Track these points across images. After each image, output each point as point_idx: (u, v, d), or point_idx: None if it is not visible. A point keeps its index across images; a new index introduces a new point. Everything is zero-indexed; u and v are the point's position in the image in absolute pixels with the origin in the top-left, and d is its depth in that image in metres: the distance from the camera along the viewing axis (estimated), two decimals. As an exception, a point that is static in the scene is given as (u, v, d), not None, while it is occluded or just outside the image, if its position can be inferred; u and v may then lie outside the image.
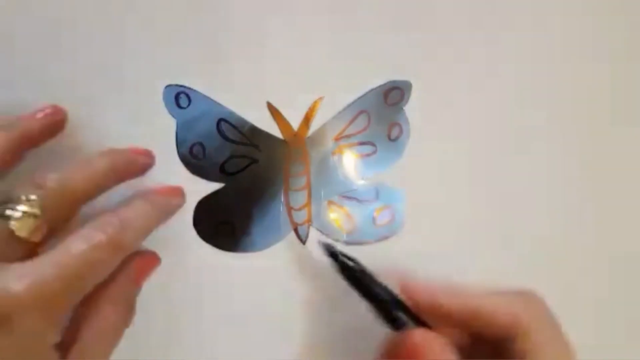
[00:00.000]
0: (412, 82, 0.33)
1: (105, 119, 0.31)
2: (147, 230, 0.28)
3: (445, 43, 0.33)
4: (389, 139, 0.33)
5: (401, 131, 0.33)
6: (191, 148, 0.32)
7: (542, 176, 0.34)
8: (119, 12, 0.31)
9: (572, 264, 0.34)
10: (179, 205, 0.31)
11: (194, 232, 0.32)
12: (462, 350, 0.26)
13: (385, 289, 0.28)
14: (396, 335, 0.27)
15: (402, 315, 0.26)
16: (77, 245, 0.24)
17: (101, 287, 0.26)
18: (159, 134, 0.31)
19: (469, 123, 0.33)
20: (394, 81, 0.33)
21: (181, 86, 0.31)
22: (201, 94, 0.32)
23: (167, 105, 0.31)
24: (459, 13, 0.33)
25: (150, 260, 0.30)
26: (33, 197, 0.25)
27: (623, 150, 0.35)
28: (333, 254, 0.30)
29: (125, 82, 0.31)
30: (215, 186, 0.32)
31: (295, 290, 0.33)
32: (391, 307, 0.27)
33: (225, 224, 0.32)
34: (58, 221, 0.26)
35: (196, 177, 0.32)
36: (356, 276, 0.29)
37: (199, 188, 0.32)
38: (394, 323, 0.27)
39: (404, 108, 0.33)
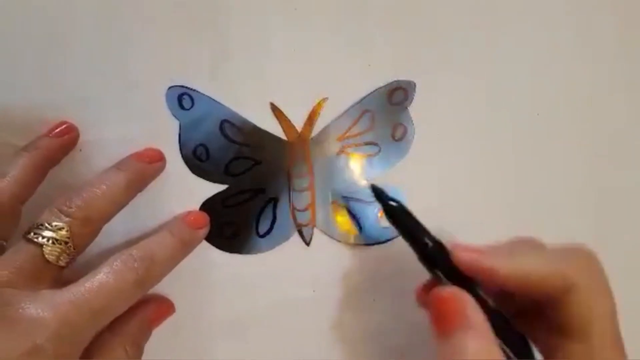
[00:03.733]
0: (416, 82, 0.33)
1: (108, 120, 0.31)
2: (172, 266, 0.29)
3: (449, 43, 0.33)
4: (393, 139, 0.33)
5: (405, 131, 0.33)
6: (195, 149, 0.32)
7: (546, 176, 0.34)
8: (121, 13, 0.31)
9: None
10: (205, 235, 0.31)
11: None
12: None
13: (428, 235, 0.27)
14: (430, 285, 0.26)
15: (440, 265, 0.26)
16: (107, 280, 0.25)
17: (116, 327, 0.27)
18: (162, 136, 0.31)
19: (473, 123, 0.33)
20: (398, 81, 0.33)
21: (184, 87, 0.31)
22: (204, 95, 0.31)
23: (170, 106, 0.31)
24: (464, 13, 0.33)
25: (166, 308, 0.31)
26: (61, 224, 0.26)
27: (625, 151, 0.35)
28: (378, 194, 0.29)
29: (128, 83, 0.31)
30: (219, 187, 0.32)
31: (298, 291, 0.32)
32: (430, 254, 0.26)
33: (229, 226, 0.32)
34: (84, 245, 0.27)
35: (200, 179, 0.32)
36: (400, 218, 0.28)
37: (203, 189, 0.32)
38: (433, 269, 0.26)
39: (408, 108, 0.33)
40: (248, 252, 0.32)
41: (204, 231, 0.31)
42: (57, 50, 0.31)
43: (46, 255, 0.25)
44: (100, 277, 0.25)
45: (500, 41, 0.34)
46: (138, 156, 0.30)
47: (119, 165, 0.29)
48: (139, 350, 0.29)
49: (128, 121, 0.31)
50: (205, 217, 0.31)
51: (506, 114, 0.34)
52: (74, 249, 0.26)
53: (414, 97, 0.33)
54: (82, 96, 0.31)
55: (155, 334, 0.31)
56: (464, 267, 0.25)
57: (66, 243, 0.26)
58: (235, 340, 0.32)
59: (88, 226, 0.27)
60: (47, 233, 0.26)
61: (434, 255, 0.26)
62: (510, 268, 0.25)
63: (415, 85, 0.33)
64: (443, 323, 0.24)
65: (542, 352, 0.25)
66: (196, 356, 0.32)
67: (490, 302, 0.25)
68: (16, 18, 0.30)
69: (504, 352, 0.24)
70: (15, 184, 0.27)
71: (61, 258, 0.26)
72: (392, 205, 0.28)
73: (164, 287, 0.31)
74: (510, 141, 0.34)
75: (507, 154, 0.34)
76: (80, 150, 0.31)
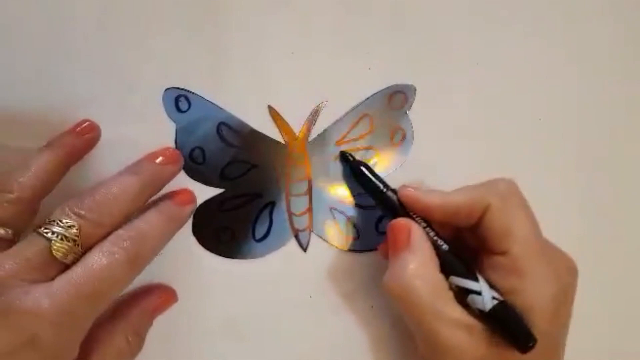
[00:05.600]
0: (415, 86, 0.32)
1: (105, 122, 0.30)
2: (162, 243, 0.28)
3: (450, 47, 0.33)
4: (392, 143, 0.33)
5: (404, 135, 0.33)
6: (191, 152, 0.31)
7: (547, 181, 0.33)
8: (119, 15, 0.31)
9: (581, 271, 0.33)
10: (193, 211, 0.30)
11: (193, 238, 0.32)
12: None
13: (384, 185, 0.31)
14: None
15: (394, 207, 0.30)
16: (98, 263, 0.25)
17: (117, 316, 0.28)
18: (159, 138, 0.31)
19: (473, 128, 0.33)
20: (398, 85, 0.32)
21: (181, 89, 0.31)
22: (201, 97, 0.31)
23: (166, 109, 0.31)
24: (464, 17, 0.33)
25: (168, 297, 0.31)
26: (72, 222, 0.26)
27: (627, 152, 0.35)
28: (345, 157, 0.32)
29: (125, 85, 0.31)
30: (215, 191, 0.32)
31: (295, 297, 0.32)
32: (385, 198, 0.30)
33: (225, 230, 0.32)
34: (92, 245, 0.27)
35: (196, 182, 0.31)
36: (363, 175, 0.31)
37: (199, 193, 0.31)
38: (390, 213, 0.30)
39: (407, 112, 0.33)
40: (244, 257, 0.32)
41: (192, 207, 0.30)
42: (54, 51, 0.30)
43: (54, 251, 0.25)
44: (92, 261, 0.25)
45: (500, 45, 0.33)
46: (153, 157, 0.30)
47: (134, 168, 0.29)
48: (140, 340, 0.29)
49: (125, 123, 0.31)
50: (191, 194, 0.30)
51: (507, 118, 0.33)
52: (81, 248, 0.26)
53: (414, 101, 0.33)
54: (79, 98, 0.31)
55: (152, 337, 0.30)
56: (407, 203, 0.29)
57: (74, 241, 0.26)
58: (231, 345, 0.32)
59: (98, 228, 0.27)
60: (57, 229, 0.26)
61: (389, 199, 0.30)
62: (440, 202, 0.28)
63: (415, 89, 0.33)
64: (393, 247, 0.28)
65: (478, 269, 0.28)
66: (190, 361, 0.32)
67: (434, 231, 0.29)
68: (15, 19, 0.30)
69: (445, 269, 0.27)
70: (37, 180, 0.27)
71: (67, 255, 0.26)
72: (358, 163, 0.31)
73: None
74: (511, 146, 0.33)
75: (508, 159, 0.33)
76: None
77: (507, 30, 0.34)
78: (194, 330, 0.31)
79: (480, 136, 0.33)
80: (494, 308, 0.26)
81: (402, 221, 0.29)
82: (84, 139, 0.30)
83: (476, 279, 0.27)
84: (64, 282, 0.25)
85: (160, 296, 0.31)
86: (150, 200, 0.29)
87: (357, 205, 0.33)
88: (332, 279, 0.32)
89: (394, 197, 0.29)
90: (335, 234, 0.32)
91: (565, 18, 0.34)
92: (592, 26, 0.34)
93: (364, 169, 0.31)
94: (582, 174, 0.34)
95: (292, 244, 0.32)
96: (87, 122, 0.30)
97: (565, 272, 0.28)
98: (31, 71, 0.30)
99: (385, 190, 0.30)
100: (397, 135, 0.33)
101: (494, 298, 0.26)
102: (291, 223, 0.32)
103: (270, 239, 0.32)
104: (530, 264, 0.27)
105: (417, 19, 0.33)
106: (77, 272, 0.25)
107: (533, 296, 0.26)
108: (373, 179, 0.30)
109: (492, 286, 0.27)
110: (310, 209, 0.32)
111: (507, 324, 0.26)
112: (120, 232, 0.27)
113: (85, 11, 0.31)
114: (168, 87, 0.31)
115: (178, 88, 0.31)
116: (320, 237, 0.32)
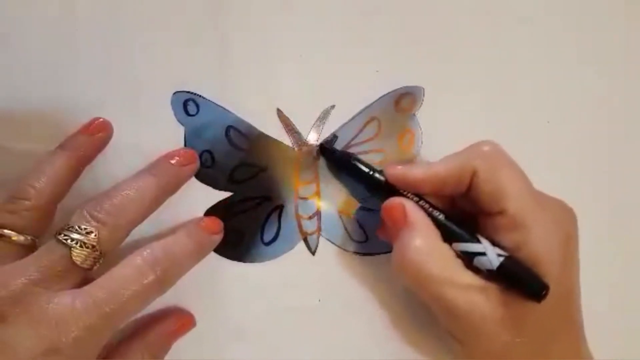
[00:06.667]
0: (424, 88, 0.32)
1: (114, 126, 0.30)
2: (189, 268, 0.29)
3: (458, 49, 0.33)
4: (401, 145, 0.32)
5: (413, 138, 0.32)
6: (200, 156, 0.31)
7: (557, 183, 0.33)
8: (127, 18, 0.31)
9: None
10: (219, 240, 0.31)
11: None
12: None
13: (371, 168, 0.30)
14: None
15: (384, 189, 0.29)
16: (126, 280, 0.26)
17: (135, 339, 0.29)
18: (168, 142, 0.31)
19: (483, 130, 0.33)
20: (406, 87, 0.32)
21: (189, 93, 0.31)
22: (210, 100, 0.31)
23: (175, 112, 0.31)
24: (473, 18, 0.33)
25: (186, 322, 0.31)
26: (90, 228, 0.26)
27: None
28: (325, 149, 0.32)
29: (133, 89, 0.31)
30: (223, 194, 0.32)
31: (304, 300, 0.32)
32: (375, 182, 0.30)
33: (233, 234, 0.32)
34: (111, 250, 0.27)
35: (204, 186, 0.31)
36: (348, 163, 0.31)
37: (208, 196, 0.31)
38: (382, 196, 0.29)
39: (415, 114, 0.32)
40: (253, 260, 0.32)
41: (219, 237, 0.30)
42: (61, 56, 0.30)
43: (74, 258, 0.26)
44: (120, 277, 0.26)
45: (510, 46, 0.33)
46: (169, 157, 0.30)
47: (151, 170, 0.29)
48: None
49: (134, 127, 0.31)
50: (219, 223, 0.31)
51: (516, 120, 0.33)
52: (100, 253, 0.26)
53: (422, 103, 0.32)
54: (86, 102, 0.31)
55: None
56: (394, 181, 0.29)
57: (93, 247, 0.26)
58: (238, 348, 0.32)
59: (116, 232, 0.27)
60: (75, 236, 0.26)
61: (378, 181, 0.30)
62: (425, 175, 0.28)
63: (423, 91, 0.32)
64: (392, 228, 0.28)
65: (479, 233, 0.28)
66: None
67: (428, 203, 0.28)
68: (22, 23, 0.30)
69: (446, 238, 0.27)
70: (52, 185, 0.28)
71: (87, 261, 0.26)
72: (341, 153, 0.32)
73: (169, 294, 0.30)
74: (520, 148, 0.33)
75: (517, 161, 0.33)
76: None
77: (516, 32, 0.33)
78: (202, 333, 0.31)
79: (489, 138, 0.33)
80: (501, 264, 0.26)
81: (394, 200, 0.28)
82: (96, 138, 0.30)
83: (478, 241, 0.27)
84: (89, 296, 0.25)
85: (179, 321, 0.31)
86: (179, 224, 0.30)
87: (365, 209, 0.32)
88: (341, 282, 0.32)
89: (382, 179, 0.29)
90: (343, 237, 0.32)
91: (575, 20, 0.34)
92: (601, 26, 0.34)
93: (347, 158, 0.31)
94: (591, 176, 0.34)
95: (301, 247, 0.32)
96: (99, 120, 0.30)
97: (565, 218, 0.28)
98: (39, 74, 0.31)
99: (372, 173, 0.30)
100: (406, 138, 0.33)
101: (499, 255, 0.26)
102: (300, 226, 0.32)
103: (278, 242, 0.32)
104: (530, 216, 0.27)
105: (425, 20, 0.33)
106: (104, 288, 0.25)
107: (539, 246, 0.26)
108: (359, 165, 0.30)
109: (495, 245, 0.27)
110: (318, 212, 0.32)
111: (517, 276, 0.26)
112: (151, 250, 0.27)
113: (92, 14, 0.31)
114: (176, 90, 0.31)
115: (187, 92, 0.31)
116: (329, 240, 0.32)
